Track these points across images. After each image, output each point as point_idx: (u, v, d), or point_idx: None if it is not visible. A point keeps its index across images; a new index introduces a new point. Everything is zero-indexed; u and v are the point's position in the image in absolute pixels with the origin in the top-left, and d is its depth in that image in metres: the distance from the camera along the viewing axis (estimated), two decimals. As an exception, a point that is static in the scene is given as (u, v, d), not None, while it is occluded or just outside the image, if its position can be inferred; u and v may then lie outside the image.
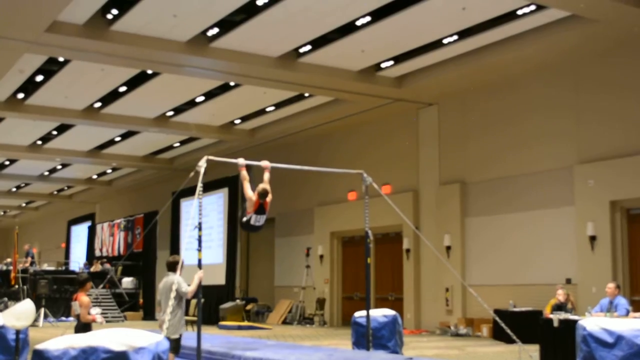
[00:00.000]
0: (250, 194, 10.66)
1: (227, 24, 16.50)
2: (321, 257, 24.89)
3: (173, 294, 9.36)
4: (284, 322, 24.80)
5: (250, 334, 19.65)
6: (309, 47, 17.79)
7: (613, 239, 16.36)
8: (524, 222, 18.46)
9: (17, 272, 25.22)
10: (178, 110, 23.68)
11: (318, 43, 17.56)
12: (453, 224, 20.25)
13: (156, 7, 15.38)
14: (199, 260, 10.02)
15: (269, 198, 10.78)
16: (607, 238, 16.36)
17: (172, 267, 10.32)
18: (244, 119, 24.72)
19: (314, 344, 16.03)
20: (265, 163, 11.26)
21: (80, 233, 40.99)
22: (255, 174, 11.37)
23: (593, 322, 9.15)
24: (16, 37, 16.14)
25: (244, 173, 10.89)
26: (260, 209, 10.68)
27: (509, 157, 19.02)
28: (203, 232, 10.17)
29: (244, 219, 10.82)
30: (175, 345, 9.49)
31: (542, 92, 18.38)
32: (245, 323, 23.35)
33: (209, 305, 24.49)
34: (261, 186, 10.72)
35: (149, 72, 19.73)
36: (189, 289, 9.70)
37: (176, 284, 9.42)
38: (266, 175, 11.16)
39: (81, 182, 38.73)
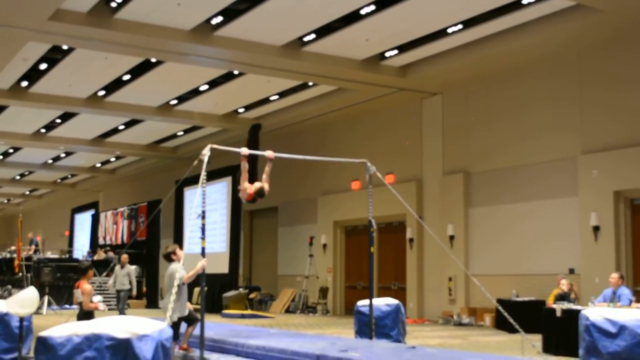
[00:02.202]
0: (246, 185, 10.78)
1: (231, 13, 16.47)
2: (324, 246, 24.91)
3: (175, 283, 9.42)
4: (287, 311, 24.86)
5: (254, 322, 19.70)
6: (313, 36, 17.76)
7: (617, 229, 16.35)
8: (527, 212, 18.44)
9: (21, 260, 25.26)
10: (182, 98, 23.67)
11: (322, 32, 17.52)
12: (456, 214, 20.25)
13: (160, -5, 15.37)
14: (203, 249, 10.05)
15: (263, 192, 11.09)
16: (611, 228, 16.34)
17: (168, 257, 10.40)
18: (248, 107, 24.70)
19: (316, 332, 16.07)
20: (269, 153, 11.26)
21: (83, 221, 41.06)
22: (260, 164, 11.37)
23: (596, 312, 9.17)
24: (20, 26, 16.12)
25: (244, 164, 10.90)
26: (252, 200, 11.10)
27: (512, 147, 18.98)
28: (206, 221, 10.19)
29: (239, 194, 11.21)
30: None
31: (546, 82, 18.33)
32: (249, 311, 23.39)
33: (212, 294, 24.54)
34: (259, 185, 10.85)
35: (153, 60, 19.71)
36: (186, 274, 9.80)
37: (178, 278, 9.49)
38: (267, 168, 11.15)
39: (85, 171, 38.78)
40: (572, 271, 16.94)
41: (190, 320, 10.55)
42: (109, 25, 16.47)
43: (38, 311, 20.33)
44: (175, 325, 9.85)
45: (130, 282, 18.71)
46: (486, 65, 18.91)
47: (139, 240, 29.65)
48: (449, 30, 17.26)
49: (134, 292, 19.07)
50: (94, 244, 35.25)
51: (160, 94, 23.24)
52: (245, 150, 10.98)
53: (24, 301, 7.87)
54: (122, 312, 18.28)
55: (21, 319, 8.20)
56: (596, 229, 16.50)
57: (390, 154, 22.22)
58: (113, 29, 16.57)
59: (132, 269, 18.86)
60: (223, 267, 25.80)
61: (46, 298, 22.59)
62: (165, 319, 8.87)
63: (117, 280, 18.63)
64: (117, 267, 18.82)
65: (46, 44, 18.33)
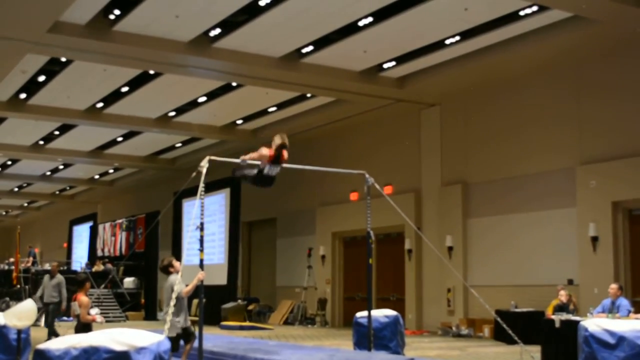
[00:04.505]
0: (263, 152, 10.16)
1: (229, 25, 16.50)
2: (323, 257, 24.88)
3: (174, 295, 9.39)
4: (286, 323, 24.81)
5: (252, 334, 19.66)
6: (311, 48, 17.79)
7: (615, 239, 16.34)
8: (526, 223, 18.44)
9: (19, 272, 25.23)
10: (180, 110, 23.68)
11: (320, 43, 17.55)
12: (455, 225, 20.24)
13: (158, 7, 15.38)
14: (201, 261, 10.03)
15: (286, 153, 10.25)
16: (609, 239, 16.33)
17: (165, 270, 10.32)
18: (246, 119, 24.72)
19: (315, 344, 16.04)
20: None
21: (82, 233, 41.02)
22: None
23: (595, 323, 9.16)
24: (18, 38, 16.15)
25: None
26: (275, 159, 10.22)
27: (511, 158, 19.00)
28: (205, 233, 10.17)
29: (255, 170, 10.29)
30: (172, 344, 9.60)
31: (544, 92, 18.36)
32: (247, 323, 23.35)
33: (211, 306, 24.46)
34: (278, 139, 10.19)
35: (151, 72, 19.73)
36: (185, 289, 9.75)
37: (175, 290, 9.45)
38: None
39: (83, 182, 38.76)
40: (570, 282, 16.92)
41: (187, 335, 10.45)
42: (108, 38, 16.50)
43: (36, 323, 20.26)
44: (176, 338, 9.81)
45: (60, 294, 16.80)
46: (484, 76, 18.95)
47: (138, 252, 29.65)
48: (447, 42, 17.29)
49: (63, 305, 16.81)
50: (92, 256, 35.22)
51: (158, 105, 23.26)
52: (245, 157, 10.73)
53: (21, 313, 7.85)
54: (51, 328, 16.25)
55: (19, 332, 8.19)
56: (595, 239, 16.49)
57: (388, 165, 22.22)
58: (111, 41, 16.60)
59: (62, 279, 16.83)
60: (221, 279, 25.78)
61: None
62: (163, 330, 8.85)
63: (46, 292, 16.81)
64: (46, 278, 17.09)
65: (45, 56, 18.34)
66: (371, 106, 21.70)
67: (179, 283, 9.68)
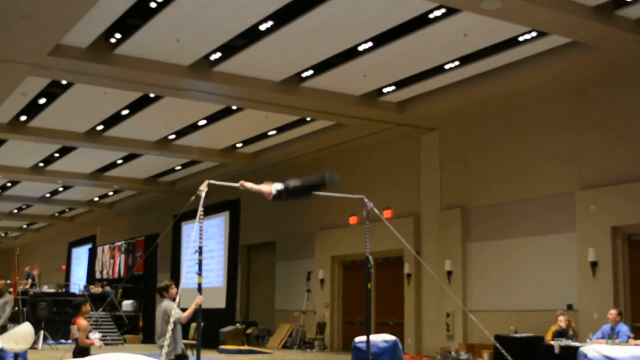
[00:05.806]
0: (264, 189, 10.50)
1: (229, 49, 16.57)
2: (322, 281, 24.81)
3: (170, 326, 9.31)
4: (284, 347, 24.69)
5: (250, 358, 19.58)
6: (311, 72, 17.86)
7: (614, 265, 16.30)
8: (525, 248, 18.41)
9: (17, 294, 25.15)
10: (180, 133, 23.73)
11: (320, 68, 17.62)
12: (454, 249, 20.20)
13: (159, 31, 15.46)
14: (199, 284, 9.99)
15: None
16: (609, 264, 16.29)
17: (160, 292, 10.25)
18: (246, 142, 24.77)
19: (314, 369, 15.97)
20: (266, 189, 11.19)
21: (81, 255, 40.98)
22: (256, 198, 11.32)
23: (594, 349, 9.15)
24: (19, 60, 16.21)
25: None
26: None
27: (510, 182, 19.01)
28: (204, 256, 10.14)
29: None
30: None
31: (544, 118, 18.40)
32: (245, 347, 23.26)
33: (209, 329, 24.38)
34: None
35: (152, 95, 19.79)
36: (183, 314, 9.68)
37: (175, 318, 9.39)
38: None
39: (82, 204, 38.72)
40: (570, 307, 16.86)
41: (181, 358, 10.38)
42: (108, 61, 16.57)
43: (33, 346, 20.13)
44: None
45: (4, 313, 15.31)
46: (483, 101, 19.00)
47: (136, 274, 29.61)
48: (447, 67, 17.36)
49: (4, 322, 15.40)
50: (91, 278, 35.14)
51: (158, 128, 23.31)
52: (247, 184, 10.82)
53: (19, 337, 7.83)
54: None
55: (16, 355, 8.16)
56: (594, 264, 16.46)
57: (387, 189, 22.23)
58: (112, 65, 16.67)
59: (10, 298, 15.62)
60: (220, 302, 25.71)
61: (42, 332, 22.46)
62: (160, 355, 8.82)
63: None
64: None
65: (45, 79, 18.41)
66: (371, 130, 21.75)
67: (177, 310, 9.62)
